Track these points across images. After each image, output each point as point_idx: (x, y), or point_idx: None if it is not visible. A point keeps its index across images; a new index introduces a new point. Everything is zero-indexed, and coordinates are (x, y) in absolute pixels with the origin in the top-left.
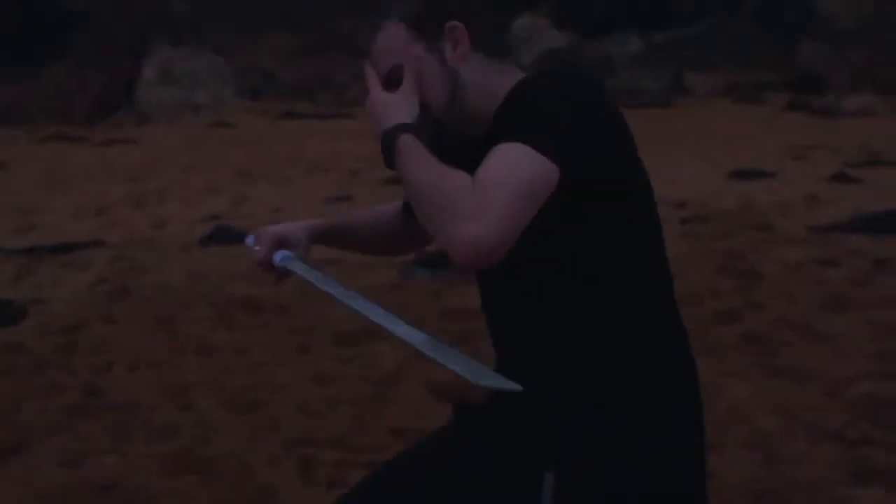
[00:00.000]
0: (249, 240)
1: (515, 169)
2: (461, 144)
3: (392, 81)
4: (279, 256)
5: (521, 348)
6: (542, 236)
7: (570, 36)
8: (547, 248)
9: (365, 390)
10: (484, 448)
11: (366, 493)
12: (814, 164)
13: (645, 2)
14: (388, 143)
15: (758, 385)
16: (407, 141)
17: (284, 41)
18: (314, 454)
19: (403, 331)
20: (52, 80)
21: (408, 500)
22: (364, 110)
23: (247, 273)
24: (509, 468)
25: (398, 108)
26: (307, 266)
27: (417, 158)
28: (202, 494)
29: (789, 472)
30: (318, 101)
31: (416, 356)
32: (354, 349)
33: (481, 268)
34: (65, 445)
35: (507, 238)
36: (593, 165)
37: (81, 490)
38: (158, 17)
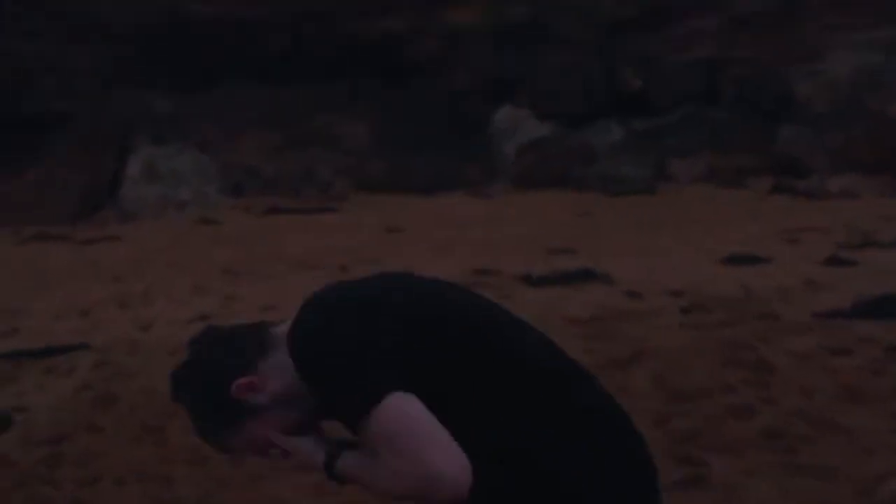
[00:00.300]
0: None
1: (400, 428)
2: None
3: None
4: None
5: None
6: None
7: (552, 126)
8: None
9: None
10: None
11: None
12: (807, 247)
13: (624, 91)
14: (336, 476)
15: (782, 484)
16: (342, 467)
17: (267, 137)
18: None
19: None
20: (34, 179)
21: None
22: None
23: None
24: None
25: (314, 448)
26: None
27: (360, 473)
28: None
29: None
30: (301, 196)
31: None
32: None
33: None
34: None
35: (455, 453)
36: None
37: None
38: (141, 115)
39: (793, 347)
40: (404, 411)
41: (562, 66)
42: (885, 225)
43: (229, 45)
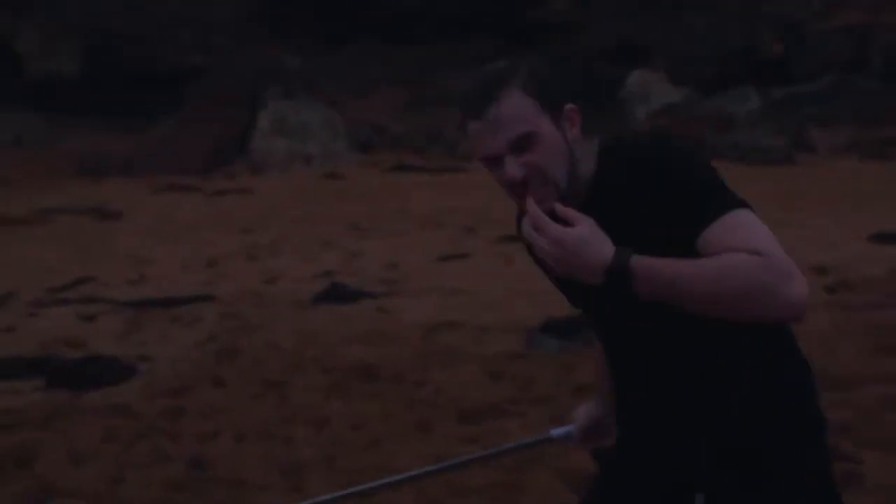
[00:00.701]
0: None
1: (755, 230)
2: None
3: (519, 147)
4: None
5: (666, 389)
6: None
7: (687, 91)
8: None
9: (493, 477)
10: (638, 483)
11: None
12: None
13: (764, 58)
14: (622, 275)
15: None
16: (642, 263)
17: (395, 95)
18: None
19: None
20: (169, 131)
21: None
22: (523, 234)
23: (361, 336)
24: (663, 496)
25: (595, 238)
26: None
27: (671, 270)
28: None
29: None
30: (428, 155)
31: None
32: (479, 427)
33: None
34: None
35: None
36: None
37: None
38: (272, 71)
39: None
40: (764, 225)
41: (699, 30)
42: None
43: (358, 4)
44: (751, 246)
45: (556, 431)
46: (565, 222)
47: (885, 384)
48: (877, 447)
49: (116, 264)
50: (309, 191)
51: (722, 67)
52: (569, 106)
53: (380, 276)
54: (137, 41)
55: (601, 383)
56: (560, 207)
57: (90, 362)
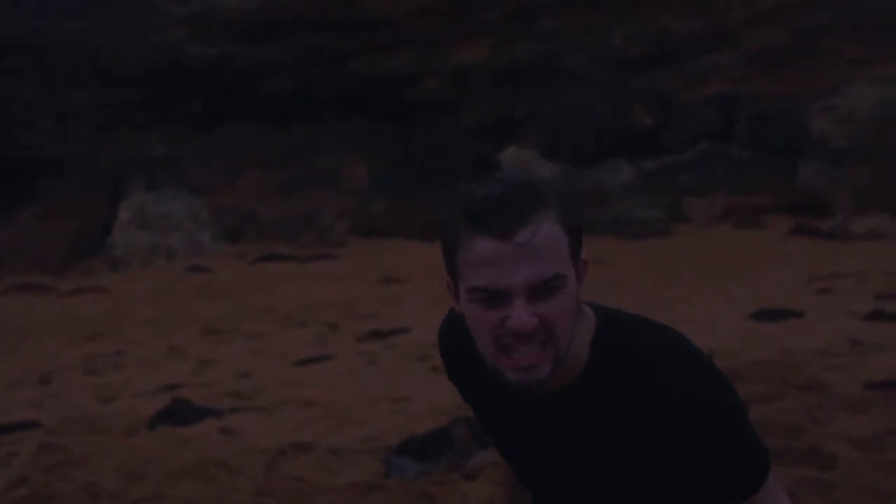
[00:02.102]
0: None
1: None
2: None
3: (539, 292)
4: None
5: None
6: None
7: (560, 166)
8: None
9: None
10: None
11: None
12: (841, 297)
13: (636, 130)
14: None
15: None
16: None
17: (267, 180)
18: None
19: None
20: (24, 226)
21: None
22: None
23: (196, 469)
24: None
25: None
26: None
27: None
28: None
29: None
30: (300, 241)
31: None
32: None
33: None
34: None
35: None
36: None
37: None
38: (136, 159)
39: (851, 432)
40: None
41: (570, 104)
42: None
43: (229, 87)
44: None
45: None
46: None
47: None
48: None
49: None
50: (167, 288)
51: (595, 141)
52: (584, 255)
53: (229, 389)
54: None
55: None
56: None
57: None
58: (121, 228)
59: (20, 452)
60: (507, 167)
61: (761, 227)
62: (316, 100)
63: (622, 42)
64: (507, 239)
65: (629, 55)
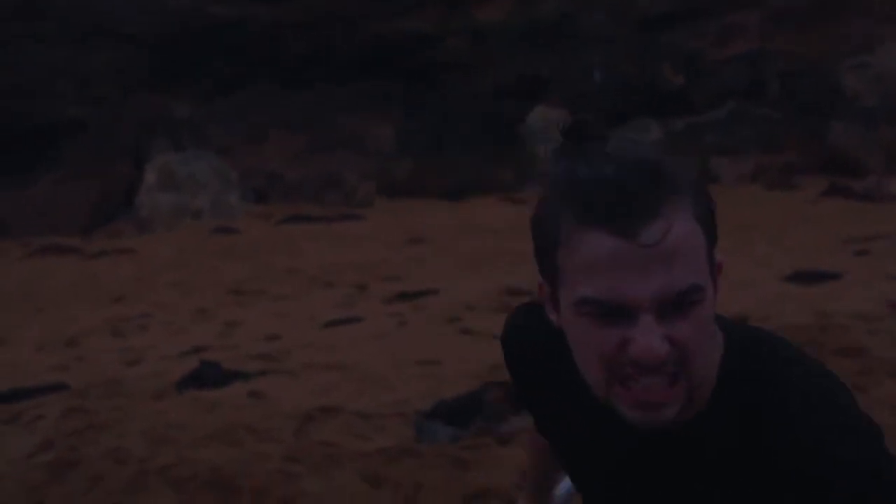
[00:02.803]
0: None
1: None
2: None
3: (672, 308)
4: None
5: None
6: None
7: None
8: None
9: None
10: None
11: None
12: (879, 259)
13: (664, 89)
14: None
15: None
16: None
17: (290, 141)
18: None
19: None
20: (48, 188)
21: None
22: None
23: (225, 433)
24: None
25: None
26: None
27: None
28: None
29: None
30: (325, 202)
31: None
32: None
33: None
34: None
35: None
36: None
37: None
38: (158, 122)
39: (895, 397)
40: None
41: (596, 63)
42: None
43: (250, 48)
44: None
45: None
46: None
47: None
48: None
49: None
50: (194, 249)
51: (621, 100)
52: (718, 255)
53: (257, 352)
54: (11, 94)
55: (537, 476)
56: None
57: None
58: (147, 190)
59: (46, 416)
60: (533, 127)
61: (793, 188)
62: (337, 60)
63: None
64: (632, 237)
65: (651, 13)
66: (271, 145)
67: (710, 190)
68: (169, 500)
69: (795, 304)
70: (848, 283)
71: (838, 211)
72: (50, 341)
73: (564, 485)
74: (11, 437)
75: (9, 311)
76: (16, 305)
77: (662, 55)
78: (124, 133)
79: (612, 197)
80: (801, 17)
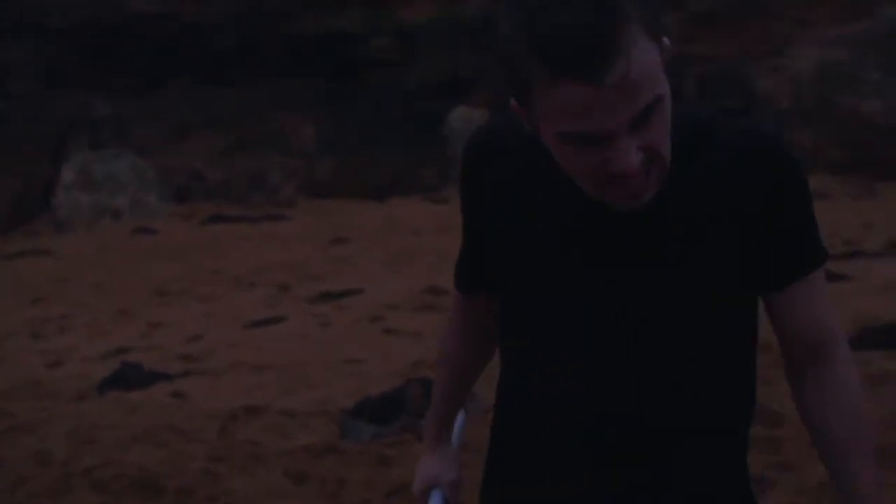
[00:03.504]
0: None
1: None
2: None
3: (640, 122)
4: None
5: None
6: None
7: None
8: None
9: None
10: None
11: None
12: None
13: None
14: None
15: None
16: None
17: (213, 140)
18: None
19: None
20: None
21: None
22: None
23: (149, 434)
24: None
25: None
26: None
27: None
28: None
29: None
30: (249, 202)
31: None
32: None
33: None
34: None
35: None
36: None
37: None
38: (78, 118)
39: None
40: None
41: None
42: (868, 231)
43: (173, 45)
44: (831, 324)
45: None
46: None
47: None
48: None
49: None
50: (114, 250)
51: None
52: (667, 41)
53: (180, 352)
54: None
55: (445, 410)
56: None
57: None
58: (65, 189)
59: None
60: (455, 126)
61: None
62: (261, 58)
63: None
64: (599, 81)
65: None
66: (193, 144)
67: None
68: (93, 502)
69: None
70: None
71: None
72: None
73: (460, 417)
74: None
75: None
76: None
77: None
78: (43, 129)
79: (574, 45)
80: (718, 20)
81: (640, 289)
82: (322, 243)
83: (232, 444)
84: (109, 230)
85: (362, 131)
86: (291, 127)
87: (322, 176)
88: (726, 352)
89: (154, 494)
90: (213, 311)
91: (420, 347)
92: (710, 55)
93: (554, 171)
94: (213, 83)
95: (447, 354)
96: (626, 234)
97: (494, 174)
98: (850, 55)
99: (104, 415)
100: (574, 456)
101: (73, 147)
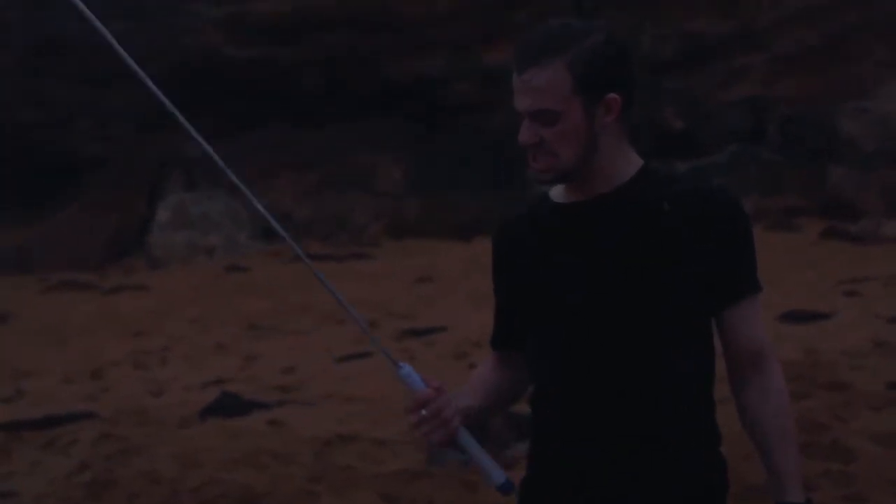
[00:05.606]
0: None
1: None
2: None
3: (538, 118)
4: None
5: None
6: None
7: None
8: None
9: None
10: None
11: None
12: (869, 300)
13: (667, 132)
14: None
15: None
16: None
17: (300, 180)
18: None
19: None
20: (64, 223)
21: None
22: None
23: (249, 457)
24: None
25: None
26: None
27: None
28: None
29: None
30: (335, 241)
31: None
32: None
33: None
34: None
35: None
36: None
37: None
38: (173, 159)
39: (871, 427)
40: None
41: None
42: None
43: (263, 88)
44: (765, 342)
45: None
46: None
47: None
48: None
49: None
50: (208, 286)
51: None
52: (612, 95)
53: (275, 383)
54: (32, 129)
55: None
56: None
57: None
58: (160, 228)
59: (80, 441)
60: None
61: (793, 230)
62: (348, 100)
63: (652, 43)
64: (520, 74)
65: (658, 57)
66: (282, 183)
67: (610, 62)
68: None
69: (788, 341)
70: (838, 323)
71: (835, 253)
72: (76, 372)
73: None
74: (49, 460)
75: (34, 344)
76: (40, 339)
77: (668, 98)
78: (139, 170)
79: (522, 49)
80: (803, 62)
81: (606, 314)
82: (407, 282)
83: (328, 467)
84: (202, 267)
85: (447, 172)
86: (378, 167)
87: (408, 216)
88: (685, 374)
89: None
90: (305, 345)
91: None
92: (793, 97)
93: (543, 230)
94: (301, 125)
95: (478, 371)
96: (600, 262)
97: (508, 249)
98: None
99: (207, 439)
100: (565, 475)
101: (168, 187)
